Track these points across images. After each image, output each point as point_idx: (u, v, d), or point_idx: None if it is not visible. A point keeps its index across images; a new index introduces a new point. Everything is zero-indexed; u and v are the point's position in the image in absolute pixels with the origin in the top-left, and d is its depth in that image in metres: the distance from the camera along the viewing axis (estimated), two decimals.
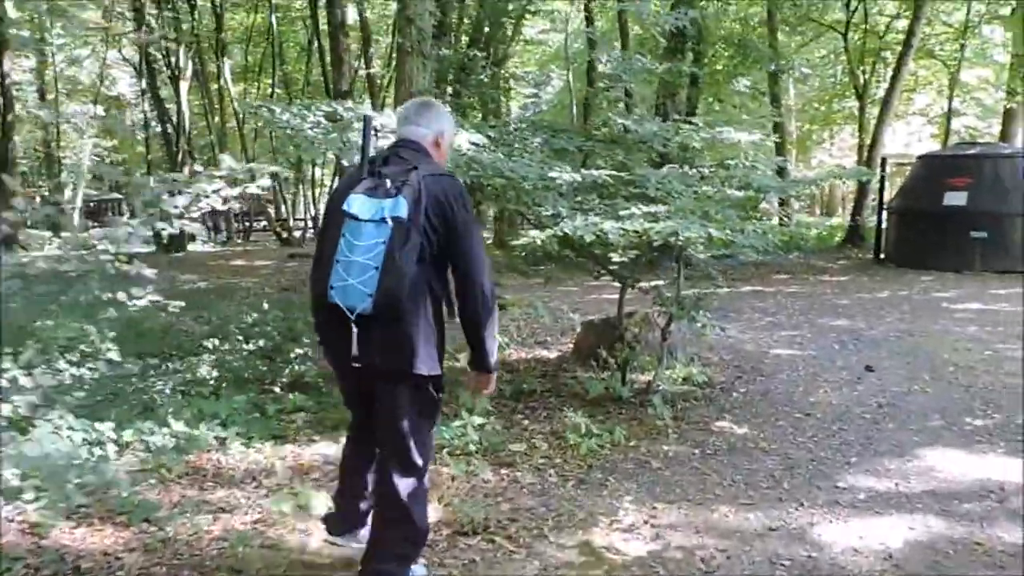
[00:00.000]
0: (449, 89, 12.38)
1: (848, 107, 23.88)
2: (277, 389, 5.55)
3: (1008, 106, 20.37)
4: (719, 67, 20.56)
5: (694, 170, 5.87)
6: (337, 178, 16.42)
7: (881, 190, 15.31)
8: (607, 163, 6.01)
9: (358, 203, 2.51)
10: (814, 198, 31.03)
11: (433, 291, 2.63)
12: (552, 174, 4.65)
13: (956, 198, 13.11)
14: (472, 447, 4.46)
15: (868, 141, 17.86)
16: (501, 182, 4.65)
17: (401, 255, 2.43)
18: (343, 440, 3.12)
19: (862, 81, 20.44)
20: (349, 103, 5.43)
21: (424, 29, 8.12)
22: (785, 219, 17.93)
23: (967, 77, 22.86)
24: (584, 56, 18.01)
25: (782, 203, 19.88)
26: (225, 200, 3.30)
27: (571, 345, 6.98)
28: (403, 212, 2.46)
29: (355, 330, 2.47)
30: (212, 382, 5.49)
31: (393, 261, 2.42)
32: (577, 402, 5.45)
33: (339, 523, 3.13)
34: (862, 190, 17.54)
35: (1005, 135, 19.90)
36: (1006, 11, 18.33)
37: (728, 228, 4.59)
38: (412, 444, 2.66)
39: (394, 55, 14.42)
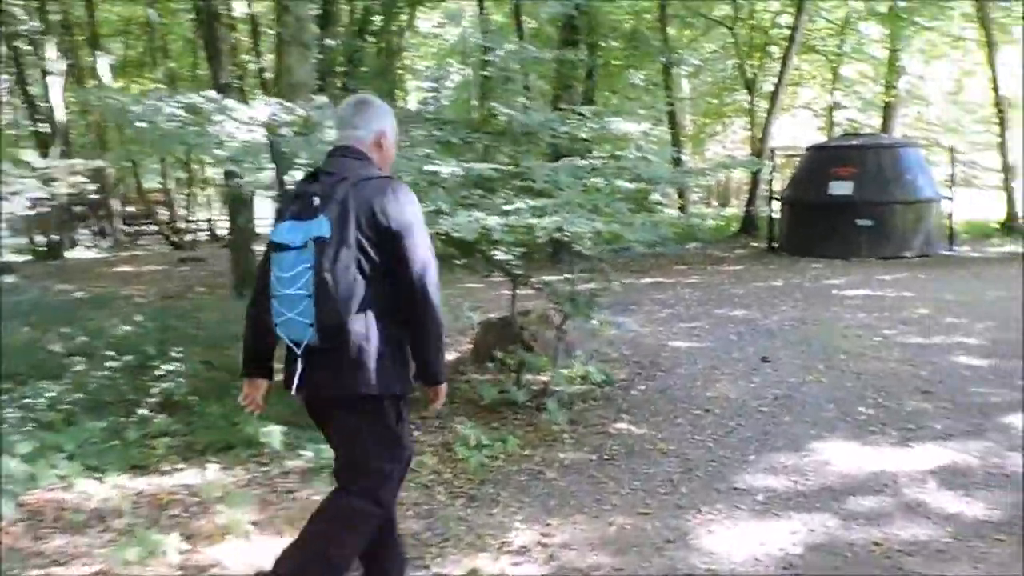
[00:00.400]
0: (337, 82, 11.89)
1: (739, 100, 24.47)
2: (144, 411, 5.04)
3: (886, 100, 21.33)
4: (615, 61, 20.81)
5: (585, 162, 5.69)
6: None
7: (771, 181, 15.67)
8: (497, 157, 5.74)
9: (286, 230, 2.37)
10: (710, 189, 31.75)
11: (386, 305, 2.44)
12: (430, 167, 4.35)
13: (842, 187, 13.51)
14: None
15: (759, 133, 18.31)
16: None
17: (333, 276, 2.28)
18: (211, 466, 2.72)
19: (751, 75, 20.96)
20: (214, 94, 4.97)
21: (303, 18, 7.68)
22: (680, 210, 18.19)
23: (848, 72, 23.79)
24: (479, 50, 17.77)
25: (680, 194, 20.23)
26: (33, 204, 2.86)
27: (470, 346, 6.71)
28: (324, 231, 2.29)
29: (299, 364, 2.37)
30: (66, 407, 4.93)
31: (325, 285, 2.27)
32: (472, 409, 5.18)
33: None
34: (755, 181, 17.95)
35: (885, 127, 20.83)
36: (883, 8, 19.11)
37: (617, 221, 4.39)
38: (368, 472, 2.49)
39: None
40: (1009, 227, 17.36)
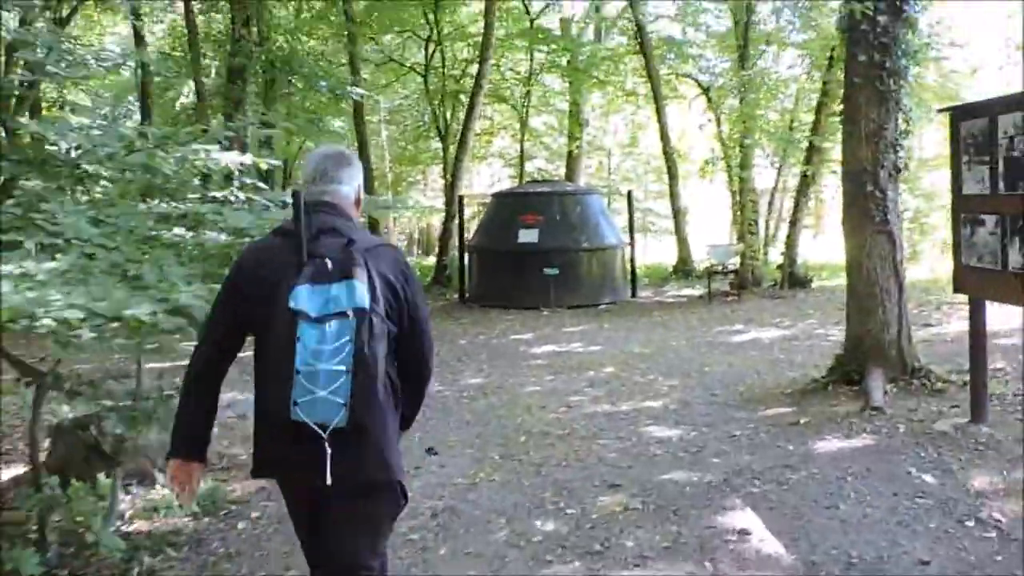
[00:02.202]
0: None
1: (434, 147, 24.04)
2: None
3: (570, 150, 21.99)
4: (308, 105, 19.44)
5: (168, 205, 4.03)
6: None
7: (461, 228, 14.92)
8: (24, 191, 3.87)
9: (304, 296, 2.04)
10: (411, 238, 31.09)
11: (395, 384, 2.26)
12: None
13: (529, 235, 13.02)
14: None
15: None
16: None
17: (371, 352, 2.06)
18: None
19: (442, 122, 20.49)
20: None
21: None
22: None
23: (535, 123, 24.40)
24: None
25: None
26: None
27: None
28: (364, 301, 2.05)
29: (328, 449, 2.04)
30: None
31: (364, 361, 2.04)
32: None
33: None
34: (446, 229, 17.20)
35: (570, 176, 21.37)
36: (564, 62, 19.66)
37: (158, 295, 2.78)
38: (371, 563, 2.27)
39: None
40: (683, 270, 18.33)
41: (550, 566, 3.49)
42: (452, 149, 20.42)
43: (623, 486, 4.42)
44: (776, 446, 5.02)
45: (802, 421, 5.47)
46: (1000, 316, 9.14)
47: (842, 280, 15.59)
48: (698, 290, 15.25)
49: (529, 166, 24.73)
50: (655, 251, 27.50)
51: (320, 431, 2.02)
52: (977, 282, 4.67)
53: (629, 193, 16.67)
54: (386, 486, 2.23)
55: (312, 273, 2.07)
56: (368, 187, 19.06)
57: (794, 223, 15.06)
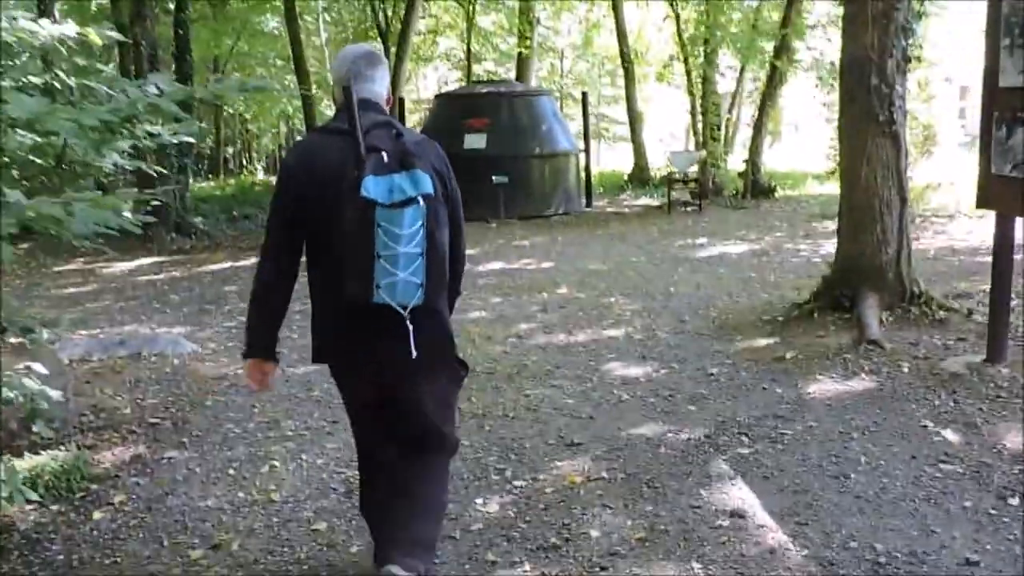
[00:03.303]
0: None
1: (377, 49, 22.36)
2: None
3: (520, 50, 20.55)
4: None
5: None
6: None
7: None
8: None
9: (371, 185, 2.11)
10: None
11: (450, 269, 2.34)
12: None
13: (475, 140, 11.92)
14: None
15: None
16: None
17: (439, 235, 2.19)
18: None
19: (383, 19, 18.85)
20: None
21: None
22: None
23: (484, 23, 22.84)
24: None
25: None
26: None
27: None
28: (430, 188, 2.16)
29: (411, 327, 2.18)
30: None
31: (435, 244, 2.17)
32: None
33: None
34: None
35: (521, 79, 20.01)
36: None
37: None
38: (449, 430, 2.48)
39: None
40: (639, 178, 17.46)
41: (492, 569, 2.68)
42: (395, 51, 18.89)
43: (584, 445, 3.61)
44: (762, 388, 4.26)
45: (788, 356, 4.71)
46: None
47: (807, 190, 15.09)
48: (656, 200, 14.43)
49: (478, 69, 23.33)
50: (609, 159, 26.54)
51: (402, 311, 2.14)
52: (1012, 195, 3.85)
53: (584, 94, 15.57)
54: (453, 360, 2.43)
55: (373, 166, 2.13)
56: (309, 97, 17.75)
57: (758, 128, 14.17)
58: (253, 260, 9.64)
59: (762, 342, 5.11)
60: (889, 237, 5.09)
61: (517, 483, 3.26)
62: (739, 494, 3.07)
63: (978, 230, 8.99)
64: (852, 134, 5.14)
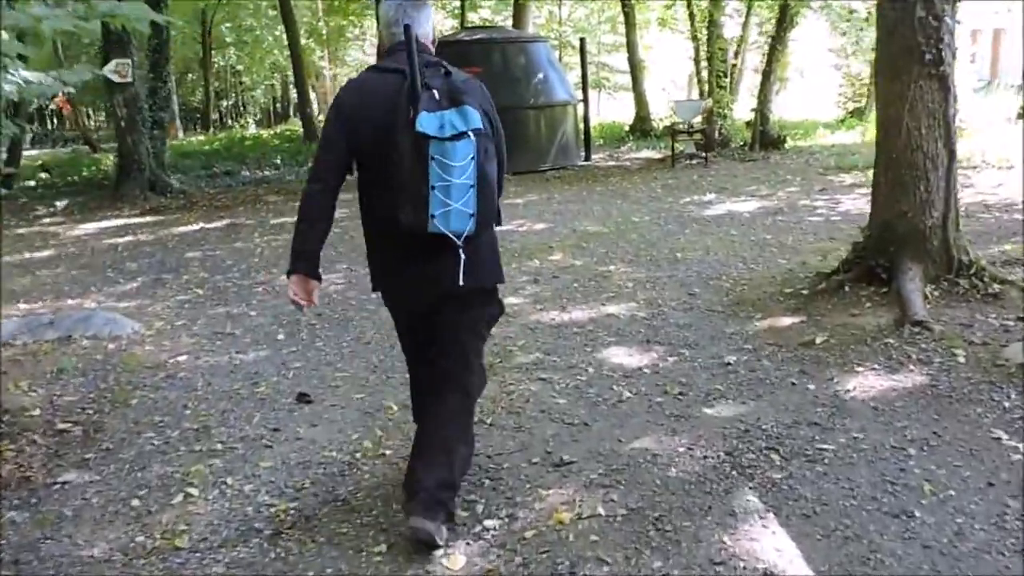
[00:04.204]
0: None
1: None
2: None
3: None
4: None
5: None
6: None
7: None
8: None
9: (425, 120, 2.22)
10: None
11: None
12: None
13: None
14: None
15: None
16: None
17: (489, 168, 2.30)
18: None
19: None
20: None
21: None
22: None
23: None
24: None
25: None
26: None
27: None
28: (480, 123, 2.27)
29: (462, 256, 2.34)
30: None
31: (485, 176, 2.28)
32: None
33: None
34: None
35: (517, 27, 18.98)
36: None
37: None
38: (476, 362, 2.62)
39: None
40: (641, 129, 16.59)
41: None
42: None
43: (575, 465, 2.92)
44: (790, 383, 3.56)
45: (818, 340, 4.00)
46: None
47: (818, 140, 14.18)
48: (659, 152, 13.60)
49: (473, 16, 22.26)
50: (610, 109, 25.52)
51: (456, 239, 2.28)
52: None
53: (582, 40, 14.62)
54: (495, 291, 2.62)
55: (426, 102, 2.24)
56: (297, 44, 16.75)
57: (767, 75, 13.24)
58: (226, 222, 8.93)
59: (785, 321, 4.40)
60: (934, 197, 4.34)
61: (489, 523, 2.57)
62: (773, 542, 2.38)
63: (1008, 182, 8.23)
64: (892, 76, 4.35)
